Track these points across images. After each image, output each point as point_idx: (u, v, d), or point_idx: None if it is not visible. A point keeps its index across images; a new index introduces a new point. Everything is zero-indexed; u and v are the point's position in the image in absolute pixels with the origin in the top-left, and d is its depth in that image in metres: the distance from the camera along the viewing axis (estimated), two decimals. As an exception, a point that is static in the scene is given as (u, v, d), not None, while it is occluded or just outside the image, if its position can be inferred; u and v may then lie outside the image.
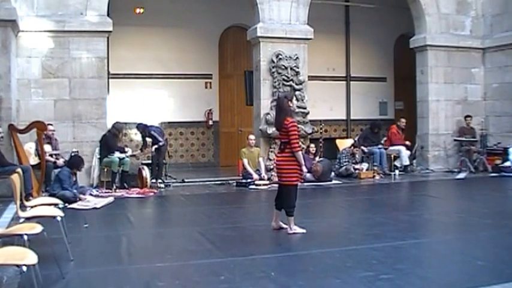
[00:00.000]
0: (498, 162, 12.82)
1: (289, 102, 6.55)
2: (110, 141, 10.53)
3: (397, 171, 12.53)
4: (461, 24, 14.06)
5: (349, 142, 13.43)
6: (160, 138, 11.18)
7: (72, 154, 9.90)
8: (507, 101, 13.57)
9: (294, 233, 6.48)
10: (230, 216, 8.08)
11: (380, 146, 12.92)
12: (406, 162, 13.10)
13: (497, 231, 6.78)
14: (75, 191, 9.00)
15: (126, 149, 10.91)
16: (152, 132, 11.23)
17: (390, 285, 4.53)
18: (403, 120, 13.70)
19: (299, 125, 11.54)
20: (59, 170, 9.43)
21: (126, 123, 13.43)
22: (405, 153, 13.10)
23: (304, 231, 6.51)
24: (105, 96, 10.99)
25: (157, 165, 11.15)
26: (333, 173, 12.08)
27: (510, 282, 4.56)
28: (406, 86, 15.81)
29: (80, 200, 8.92)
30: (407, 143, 13.25)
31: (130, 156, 10.92)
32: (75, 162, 9.34)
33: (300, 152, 6.40)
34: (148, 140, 11.41)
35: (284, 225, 6.69)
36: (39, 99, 10.41)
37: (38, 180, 9.48)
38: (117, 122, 10.86)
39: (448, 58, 13.80)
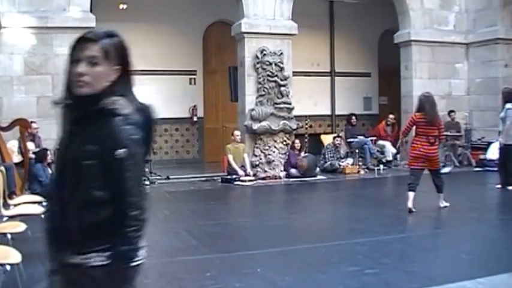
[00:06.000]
0: (482, 156, 12.91)
1: None
2: None
3: (381, 166, 12.57)
4: (445, 20, 14.13)
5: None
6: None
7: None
8: (491, 96, 13.65)
9: (445, 207, 7.78)
10: (216, 213, 8.06)
11: (365, 140, 12.96)
12: (389, 157, 13.19)
13: (481, 224, 6.85)
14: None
15: None
16: None
17: (376, 279, 4.55)
18: (391, 116, 13.78)
19: (284, 121, 11.66)
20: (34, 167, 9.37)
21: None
22: (389, 148, 13.18)
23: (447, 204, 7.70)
24: (89, 92, 10.87)
25: None
26: (318, 169, 12.10)
27: (494, 275, 4.60)
28: (390, 81, 15.84)
29: None
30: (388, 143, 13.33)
31: None
32: (39, 155, 9.34)
33: None
34: None
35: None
36: (22, 97, 10.28)
37: (21, 178, 9.37)
38: None
39: (432, 53, 13.87)
